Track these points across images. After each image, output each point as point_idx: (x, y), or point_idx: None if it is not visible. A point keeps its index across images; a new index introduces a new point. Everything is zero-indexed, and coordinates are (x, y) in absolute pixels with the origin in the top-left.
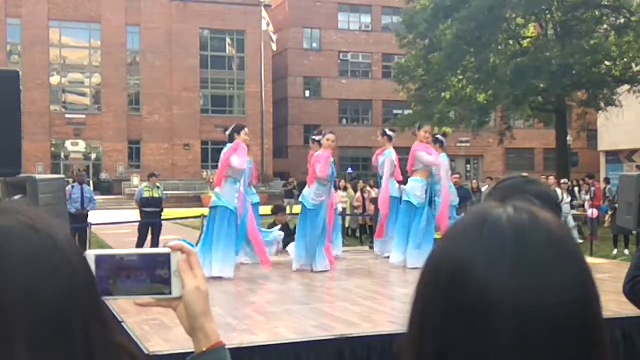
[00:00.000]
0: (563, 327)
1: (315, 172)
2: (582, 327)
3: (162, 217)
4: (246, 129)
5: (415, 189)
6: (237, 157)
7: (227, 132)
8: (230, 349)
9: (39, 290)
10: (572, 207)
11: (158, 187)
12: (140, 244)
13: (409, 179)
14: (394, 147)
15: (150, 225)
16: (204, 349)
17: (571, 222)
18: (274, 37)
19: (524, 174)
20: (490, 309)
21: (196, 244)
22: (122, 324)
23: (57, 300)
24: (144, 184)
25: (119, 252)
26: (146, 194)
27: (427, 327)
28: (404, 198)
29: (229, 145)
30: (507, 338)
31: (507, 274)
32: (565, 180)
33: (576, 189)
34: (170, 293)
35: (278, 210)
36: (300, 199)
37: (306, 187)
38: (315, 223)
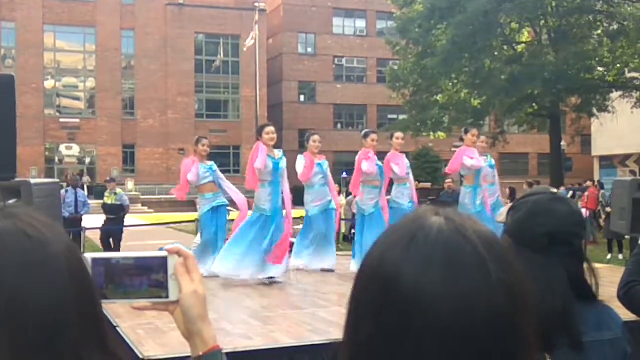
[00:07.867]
0: (483, 335)
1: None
2: (498, 337)
3: (136, 224)
4: (267, 128)
5: (464, 197)
6: (257, 159)
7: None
8: (226, 354)
9: (24, 297)
10: None
11: (116, 194)
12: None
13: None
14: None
15: (109, 232)
16: (200, 353)
17: None
18: (254, 39)
19: (553, 189)
20: (419, 315)
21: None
22: (117, 328)
23: (43, 309)
24: (114, 189)
25: (115, 256)
26: (106, 200)
27: (361, 333)
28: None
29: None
30: (431, 343)
31: (434, 283)
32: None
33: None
34: (167, 297)
35: None
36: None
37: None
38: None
